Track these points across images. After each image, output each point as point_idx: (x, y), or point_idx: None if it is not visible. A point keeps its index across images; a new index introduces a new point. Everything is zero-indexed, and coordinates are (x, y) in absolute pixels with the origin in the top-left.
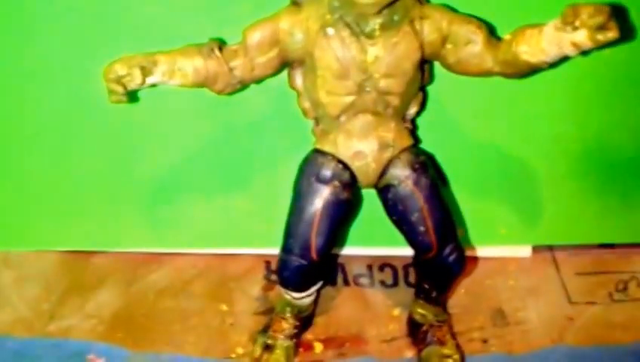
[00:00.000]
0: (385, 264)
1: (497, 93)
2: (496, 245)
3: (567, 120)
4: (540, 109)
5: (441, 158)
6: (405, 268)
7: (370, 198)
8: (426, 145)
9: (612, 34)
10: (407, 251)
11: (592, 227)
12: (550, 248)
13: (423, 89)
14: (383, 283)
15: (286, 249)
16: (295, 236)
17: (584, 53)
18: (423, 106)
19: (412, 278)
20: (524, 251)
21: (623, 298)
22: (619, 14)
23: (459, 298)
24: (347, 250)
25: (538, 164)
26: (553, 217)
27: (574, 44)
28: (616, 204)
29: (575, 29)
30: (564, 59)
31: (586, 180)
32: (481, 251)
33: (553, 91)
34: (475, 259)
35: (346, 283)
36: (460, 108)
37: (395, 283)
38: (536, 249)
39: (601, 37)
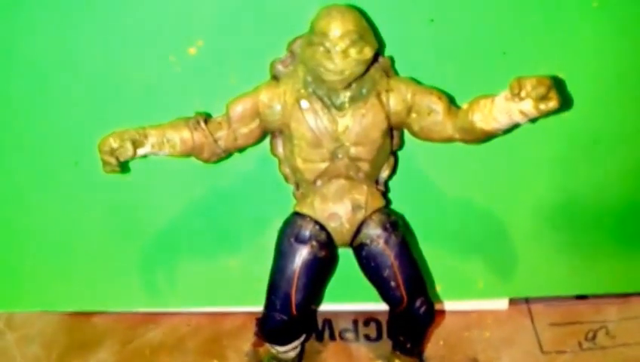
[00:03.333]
0: (370, 319)
1: (468, 153)
2: (474, 299)
3: (539, 176)
4: (512, 167)
5: (417, 218)
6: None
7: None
8: (401, 206)
9: (553, 103)
10: None
11: (566, 279)
12: (526, 300)
13: (394, 154)
14: (367, 337)
15: (269, 305)
16: (277, 293)
17: (532, 120)
18: (394, 170)
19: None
20: (501, 304)
21: (591, 346)
22: (559, 86)
23: (437, 349)
24: (334, 307)
25: (512, 221)
26: (529, 271)
27: (522, 113)
28: (588, 257)
29: (521, 99)
30: (516, 125)
31: (559, 235)
32: (460, 305)
33: (524, 149)
34: (454, 312)
35: (332, 338)
36: (433, 170)
37: (379, 337)
38: (513, 301)
39: (543, 106)
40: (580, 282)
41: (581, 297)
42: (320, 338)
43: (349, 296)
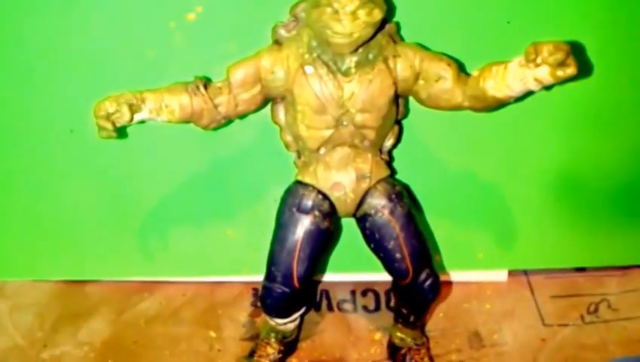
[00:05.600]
0: (368, 289)
1: (472, 124)
2: (473, 270)
3: (541, 148)
4: (514, 138)
5: (419, 188)
6: (387, 293)
7: (355, 226)
8: (403, 175)
9: (571, 70)
10: (389, 277)
11: (566, 252)
12: (525, 272)
13: (399, 122)
14: (365, 308)
15: (269, 277)
16: (278, 264)
17: (546, 88)
18: (399, 139)
19: (393, 303)
20: (501, 275)
21: (593, 319)
22: (577, 52)
23: (437, 321)
24: (331, 277)
25: (513, 192)
26: (528, 243)
27: (537, 80)
28: (589, 230)
29: (537, 65)
30: (529, 93)
31: (559, 207)
32: (459, 276)
33: (527, 121)
34: (454, 283)
35: (330, 308)
36: (436, 140)
37: (378, 308)
38: (512, 273)
39: (560, 73)
40: (580, 255)
41: (580, 269)
42: (318, 309)
43: (347, 266)
